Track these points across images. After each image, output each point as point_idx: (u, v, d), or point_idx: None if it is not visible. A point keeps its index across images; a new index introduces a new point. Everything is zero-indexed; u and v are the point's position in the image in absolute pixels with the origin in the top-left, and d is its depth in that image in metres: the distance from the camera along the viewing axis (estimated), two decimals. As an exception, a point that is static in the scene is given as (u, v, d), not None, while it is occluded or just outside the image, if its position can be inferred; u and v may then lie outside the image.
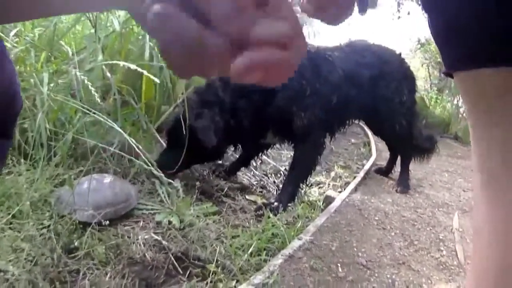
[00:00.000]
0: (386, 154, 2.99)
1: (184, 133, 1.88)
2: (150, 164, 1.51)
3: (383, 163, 3.00)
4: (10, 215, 1.34)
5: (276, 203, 1.93)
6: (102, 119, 1.55)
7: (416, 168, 2.68)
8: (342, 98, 2.19)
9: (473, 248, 0.49)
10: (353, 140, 3.73)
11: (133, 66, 1.54)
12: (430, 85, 8.20)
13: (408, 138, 2.57)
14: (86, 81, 1.50)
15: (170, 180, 1.65)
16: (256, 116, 2.01)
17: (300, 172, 2.15)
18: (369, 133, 3.20)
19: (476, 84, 0.34)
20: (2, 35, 1.82)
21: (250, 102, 1.98)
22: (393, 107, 2.46)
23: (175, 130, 1.94)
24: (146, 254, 1.36)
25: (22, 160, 1.60)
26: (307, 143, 2.13)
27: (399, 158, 2.76)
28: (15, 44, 1.84)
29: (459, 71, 0.35)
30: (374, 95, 2.38)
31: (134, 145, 1.44)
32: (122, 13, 2.04)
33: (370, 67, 2.32)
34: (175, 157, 1.93)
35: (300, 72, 2.00)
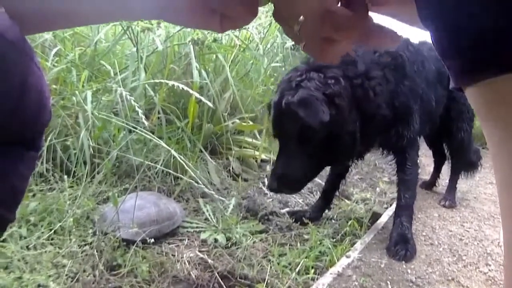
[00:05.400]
0: (430, 168, 2.90)
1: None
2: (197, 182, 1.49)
3: (427, 177, 2.90)
4: (52, 231, 1.35)
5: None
6: (147, 137, 1.54)
7: (459, 181, 2.58)
8: (437, 98, 1.93)
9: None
10: (396, 155, 3.55)
11: (181, 85, 1.53)
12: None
13: (466, 146, 2.37)
14: (131, 100, 1.51)
15: (222, 198, 1.63)
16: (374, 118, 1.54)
17: (413, 192, 1.82)
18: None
19: (495, 93, 0.31)
20: (42, 54, 1.86)
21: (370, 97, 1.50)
22: (462, 109, 2.25)
23: (286, 122, 1.42)
24: (191, 273, 1.33)
25: (65, 177, 1.61)
26: (414, 153, 1.83)
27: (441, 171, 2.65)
28: (55, 64, 1.88)
29: (473, 82, 0.31)
30: (449, 95, 2.12)
31: (182, 162, 1.43)
32: (163, 32, 2.06)
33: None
34: (297, 167, 1.45)
35: (410, 67, 1.68)
